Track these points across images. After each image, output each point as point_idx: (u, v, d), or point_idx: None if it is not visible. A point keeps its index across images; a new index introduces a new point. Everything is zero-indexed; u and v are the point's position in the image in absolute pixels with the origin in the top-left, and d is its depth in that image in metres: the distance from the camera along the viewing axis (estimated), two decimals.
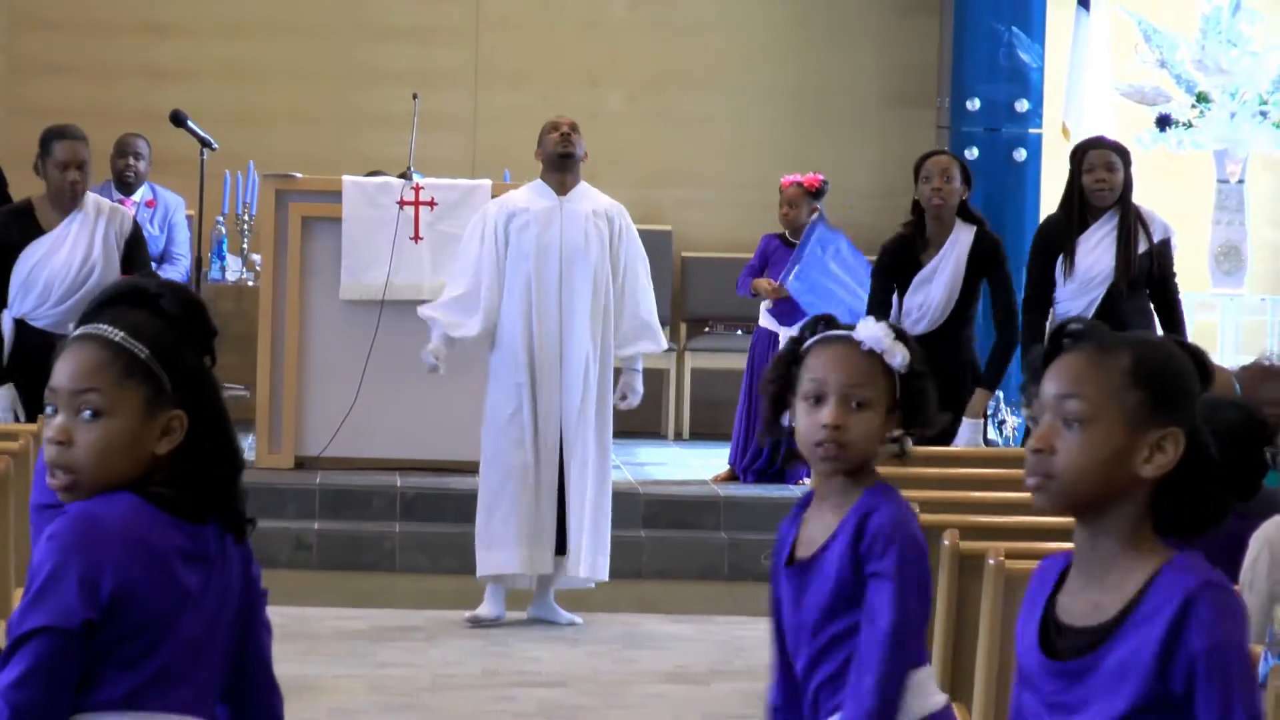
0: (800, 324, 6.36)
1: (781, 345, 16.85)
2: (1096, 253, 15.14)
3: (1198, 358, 5.00)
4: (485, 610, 15.00)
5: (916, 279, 15.26)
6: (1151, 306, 15.37)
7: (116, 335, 4.92)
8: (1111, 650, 4.43)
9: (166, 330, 5.04)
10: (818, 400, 5.91)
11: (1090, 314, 14.77)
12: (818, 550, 6.12)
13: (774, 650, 6.60)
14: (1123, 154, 15.50)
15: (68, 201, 14.76)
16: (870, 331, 5.92)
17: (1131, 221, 15.10)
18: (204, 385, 5.08)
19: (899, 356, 5.96)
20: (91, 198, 15.03)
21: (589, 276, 14.95)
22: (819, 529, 6.14)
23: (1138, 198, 16.11)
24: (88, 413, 4.90)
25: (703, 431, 20.51)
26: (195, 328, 5.13)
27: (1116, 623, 4.44)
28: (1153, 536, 4.52)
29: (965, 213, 15.50)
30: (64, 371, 4.92)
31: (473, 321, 14.83)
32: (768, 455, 18.06)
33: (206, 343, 5.15)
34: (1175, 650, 4.37)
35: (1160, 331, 14.60)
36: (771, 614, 6.51)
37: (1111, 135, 17.55)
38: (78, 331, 5.02)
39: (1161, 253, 15.29)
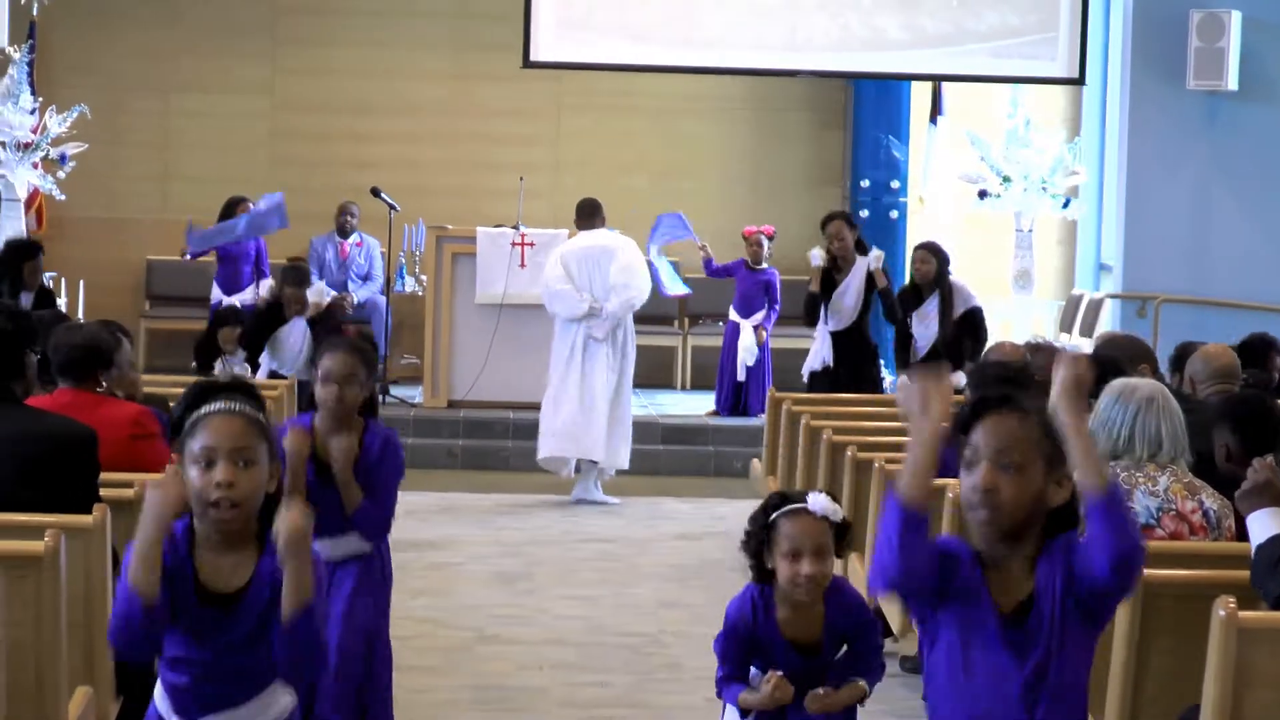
0: None
1: (740, 330, 17.27)
2: (927, 323, 15.23)
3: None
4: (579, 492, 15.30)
5: (835, 294, 15.45)
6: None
7: (251, 411, 4.87)
8: (1042, 601, 4.23)
9: (262, 411, 4.99)
10: (794, 556, 5.78)
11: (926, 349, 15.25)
12: (819, 638, 5.98)
13: None
14: (935, 250, 15.65)
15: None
16: (823, 504, 5.83)
17: (949, 298, 15.25)
18: None
19: (836, 515, 5.85)
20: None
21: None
22: (807, 626, 5.88)
23: (969, 248, 16.49)
24: (242, 463, 4.76)
25: (698, 384, 20.15)
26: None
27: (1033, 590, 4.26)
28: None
29: (861, 248, 15.65)
30: (225, 435, 4.78)
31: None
32: (733, 400, 18.10)
33: None
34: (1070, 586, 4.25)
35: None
36: None
37: (949, 204, 18.08)
38: (222, 408, 4.86)
39: (971, 319, 15.37)
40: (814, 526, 5.72)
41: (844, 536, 5.85)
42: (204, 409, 4.82)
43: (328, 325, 14.60)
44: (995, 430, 4.23)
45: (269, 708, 4.83)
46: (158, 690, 4.82)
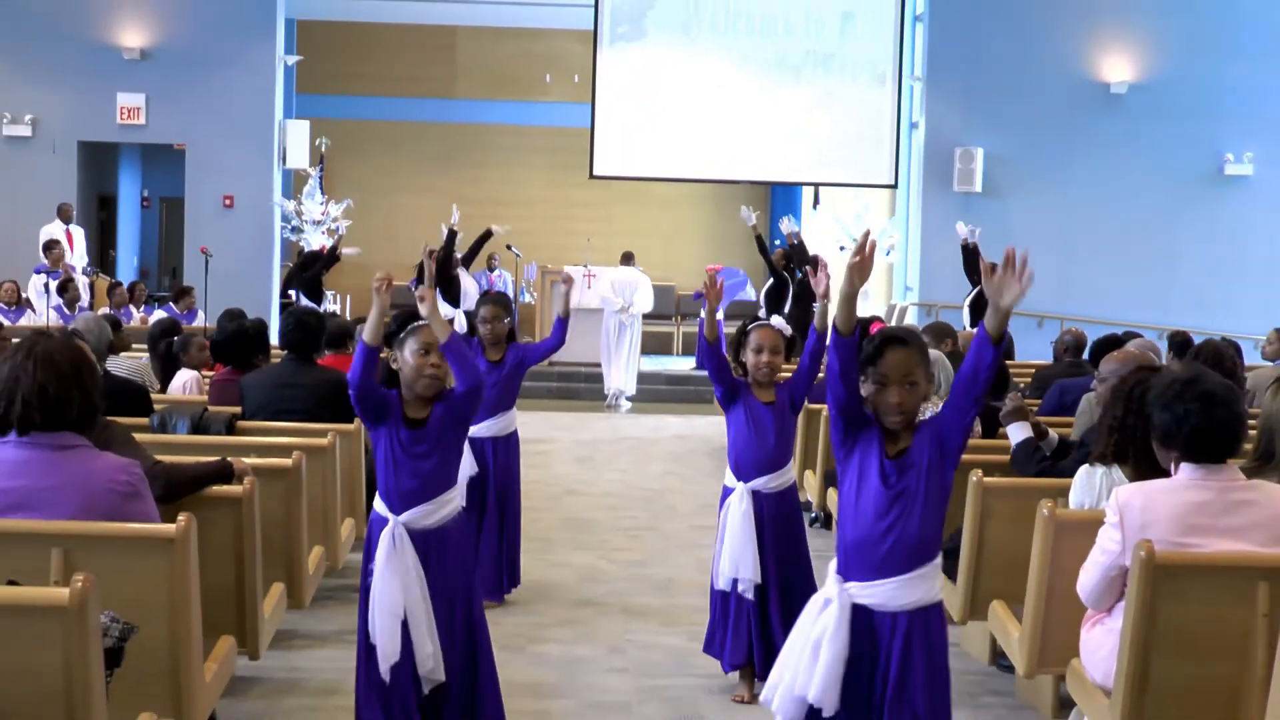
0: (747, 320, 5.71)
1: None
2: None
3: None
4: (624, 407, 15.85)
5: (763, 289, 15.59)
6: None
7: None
8: (915, 452, 3.58)
9: None
10: (758, 351, 5.33)
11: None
12: (775, 399, 5.36)
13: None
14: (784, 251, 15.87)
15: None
16: (779, 322, 5.42)
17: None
18: None
19: (787, 331, 5.41)
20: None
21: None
22: (767, 395, 5.37)
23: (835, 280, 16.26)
24: (440, 356, 4.38)
25: (686, 351, 19.83)
26: None
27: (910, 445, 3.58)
28: None
29: (788, 266, 15.49)
30: (434, 337, 4.38)
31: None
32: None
33: None
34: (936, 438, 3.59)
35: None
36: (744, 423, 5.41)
37: (823, 255, 17.89)
38: (424, 323, 4.42)
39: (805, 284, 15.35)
40: (772, 334, 5.41)
41: (792, 346, 5.56)
42: (412, 325, 4.46)
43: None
44: (899, 361, 3.62)
45: (445, 504, 4.43)
46: (376, 501, 4.49)
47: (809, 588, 5.22)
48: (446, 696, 4.41)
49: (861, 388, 3.67)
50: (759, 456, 5.42)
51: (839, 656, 3.60)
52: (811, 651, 3.63)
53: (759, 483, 5.42)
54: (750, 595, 5.39)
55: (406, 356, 4.44)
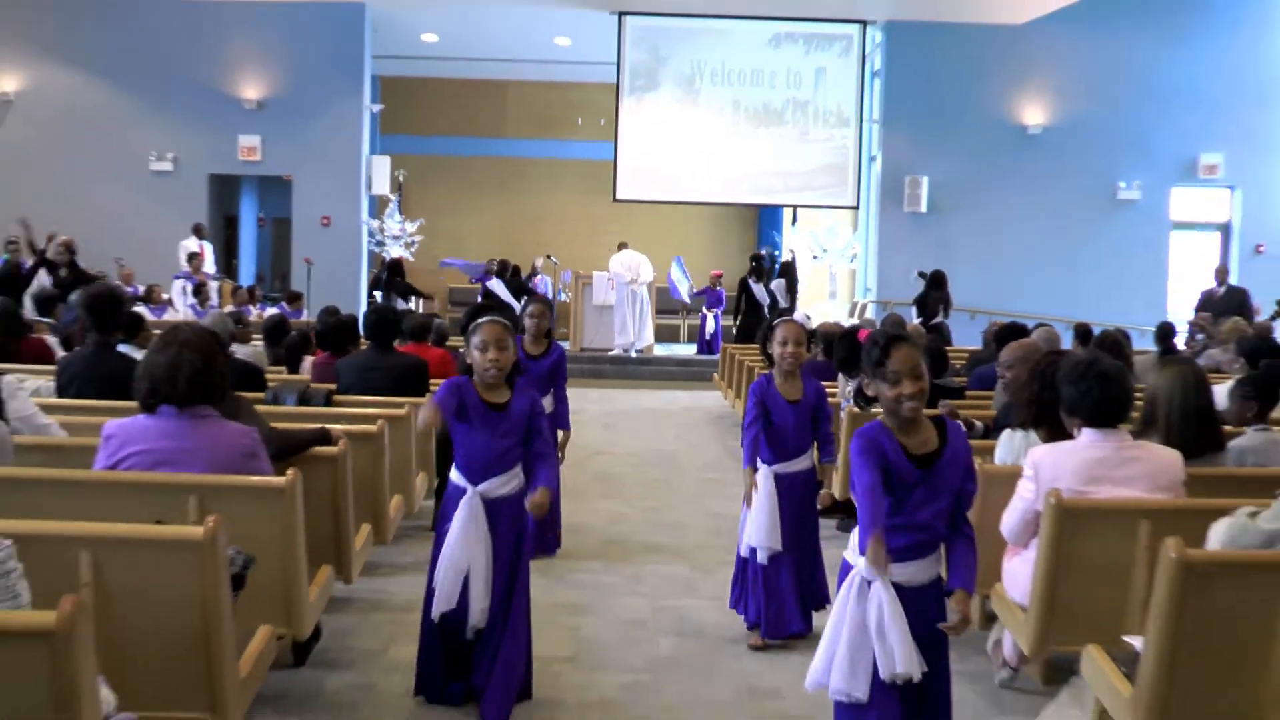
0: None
1: (707, 317, 17.04)
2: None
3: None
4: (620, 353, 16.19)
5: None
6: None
7: (504, 320, 4.05)
8: (943, 457, 3.07)
9: (510, 319, 4.12)
10: (784, 343, 4.81)
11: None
12: (801, 399, 4.86)
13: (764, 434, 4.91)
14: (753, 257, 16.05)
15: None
16: (801, 317, 4.67)
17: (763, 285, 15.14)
18: None
19: (809, 325, 4.67)
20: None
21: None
22: (793, 391, 4.89)
23: (812, 281, 16.12)
24: (501, 349, 3.97)
25: (690, 339, 19.58)
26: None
27: (941, 447, 3.07)
28: None
29: (759, 273, 15.66)
30: (492, 333, 4.02)
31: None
32: (705, 347, 17.72)
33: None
34: (964, 457, 3.10)
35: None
36: (766, 421, 4.89)
37: (802, 262, 17.76)
38: (489, 319, 4.05)
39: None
40: (796, 328, 4.92)
41: (812, 336, 5.05)
42: (479, 320, 4.08)
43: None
44: (907, 356, 3.11)
45: (513, 479, 4.13)
46: (453, 472, 4.18)
47: (816, 557, 5.04)
48: (481, 636, 4.23)
49: (869, 389, 3.21)
50: (779, 452, 4.97)
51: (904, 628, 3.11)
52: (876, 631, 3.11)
53: (779, 467, 4.97)
54: (763, 561, 5.00)
55: (473, 351, 4.10)
